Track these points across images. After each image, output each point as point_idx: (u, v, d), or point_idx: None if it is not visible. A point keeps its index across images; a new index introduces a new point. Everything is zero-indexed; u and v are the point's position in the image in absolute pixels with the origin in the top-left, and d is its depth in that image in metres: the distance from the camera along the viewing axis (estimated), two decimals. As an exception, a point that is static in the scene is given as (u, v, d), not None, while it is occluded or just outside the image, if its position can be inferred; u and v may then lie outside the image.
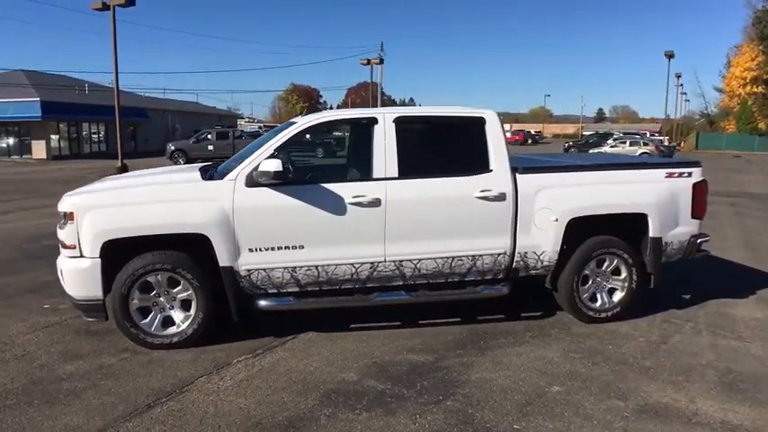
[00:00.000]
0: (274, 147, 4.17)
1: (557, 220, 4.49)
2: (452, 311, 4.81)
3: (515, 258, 4.53)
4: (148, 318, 4.07)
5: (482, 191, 4.34)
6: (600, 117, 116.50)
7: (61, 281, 4.08)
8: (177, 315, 4.12)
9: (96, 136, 38.51)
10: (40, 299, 5.18)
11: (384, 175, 4.25)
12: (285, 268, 4.16)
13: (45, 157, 32.46)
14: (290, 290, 4.27)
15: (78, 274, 3.95)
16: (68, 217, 3.94)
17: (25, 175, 21.52)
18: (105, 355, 3.97)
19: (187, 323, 4.09)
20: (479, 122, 4.52)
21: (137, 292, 4.00)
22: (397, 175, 4.27)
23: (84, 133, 37.44)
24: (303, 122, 4.34)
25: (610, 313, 4.76)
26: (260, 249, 4.10)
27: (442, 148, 4.71)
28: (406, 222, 4.29)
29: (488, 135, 4.49)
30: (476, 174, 4.40)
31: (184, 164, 26.06)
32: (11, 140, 33.66)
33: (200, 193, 4.07)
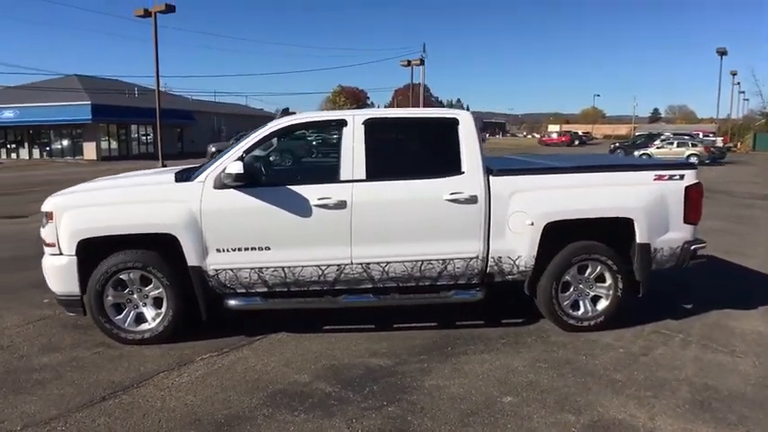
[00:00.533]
0: (243, 149, 4.27)
1: (532, 224, 4.37)
2: (431, 315, 4.78)
3: (489, 263, 4.45)
4: (122, 314, 4.26)
5: (452, 193, 4.29)
6: (655, 117, 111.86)
7: (45, 277, 4.34)
8: (149, 312, 4.30)
9: (145, 138, 40.40)
10: (42, 294, 5.50)
11: (351, 177, 4.28)
12: (252, 269, 4.26)
13: (95, 158, 34.32)
14: (258, 290, 4.36)
15: (57, 270, 4.20)
16: (49, 216, 4.20)
17: (72, 175, 22.85)
18: (81, 348, 4.19)
19: (158, 320, 4.26)
20: (452, 124, 4.46)
21: (111, 289, 4.20)
22: (364, 177, 4.29)
23: (132, 135, 39.36)
24: (272, 125, 4.42)
25: (593, 322, 4.59)
26: (227, 250, 4.22)
27: (413, 150, 4.69)
28: (372, 225, 4.29)
29: (461, 136, 4.43)
30: (447, 176, 4.34)
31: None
32: (65, 142, 35.84)
33: (170, 194, 4.23)
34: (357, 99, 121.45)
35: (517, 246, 4.41)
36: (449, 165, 4.39)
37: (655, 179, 4.55)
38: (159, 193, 4.28)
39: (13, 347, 4.21)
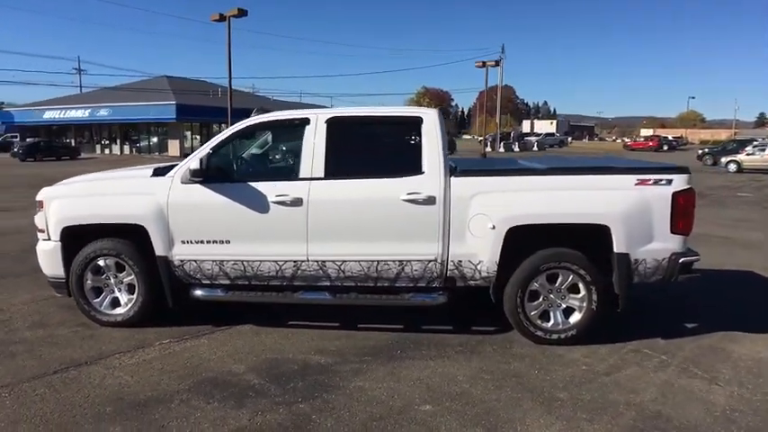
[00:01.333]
0: (210, 147, 4.49)
1: (494, 228, 4.21)
2: (400, 317, 4.72)
3: (449, 267, 4.33)
4: (100, 297, 4.66)
5: (409, 193, 4.23)
6: (761, 121, 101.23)
7: (39, 260, 4.83)
8: (123, 297, 4.64)
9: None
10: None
11: (310, 176, 4.36)
12: (214, 261, 4.47)
13: (179, 154, 37.03)
14: (221, 282, 4.57)
15: (46, 254, 4.66)
16: (40, 205, 4.67)
17: None
18: (64, 327, 4.62)
19: (130, 305, 4.59)
20: (416, 123, 4.40)
21: (90, 274, 4.59)
22: (322, 176, 4.35)
23: (214, 133, 42.19)
24: (238, 124, 4.61)
25: (563, 335, 4.32)
26: (191, 242, 4.46)
27: (375, 148, 4.66)
28: (328, 223, 4.33)
29: (424, 136, 4.36)
30: (405, 175, 4.29)
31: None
32: (152, 139, 39.04)
33: (142, 188, 4.54)
34: (441, 100, 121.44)
35: (478, 250, 4.26)
36: (409, 164, 4.33)
37: (637, 183, 4.20)
38: (133, 187, 4.61)
39: (8, 321, 4.72)
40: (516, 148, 44.95)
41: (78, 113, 38.09)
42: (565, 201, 4.22)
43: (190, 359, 3.98)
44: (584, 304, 4.28)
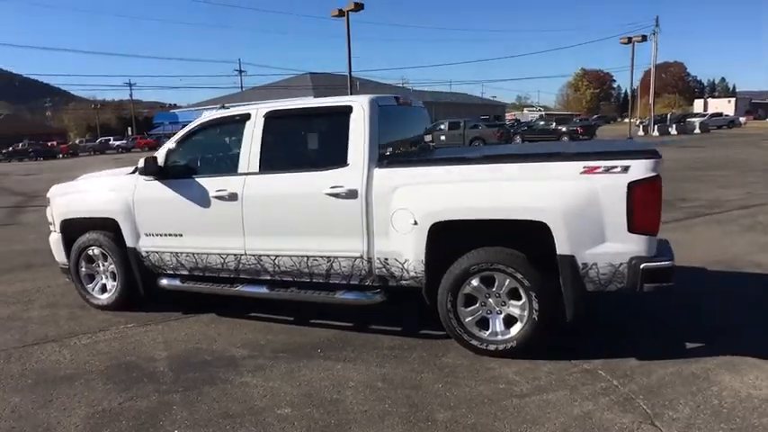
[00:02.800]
0: (166, 147, 4.84)
1: (416, 224, 3.88)
2: (360, 315, 4.61)
3: (375, 265, 4.10)
4: (92, 283, 5.32)
5: (332, 187, 4.08)
6: None
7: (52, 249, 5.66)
8: (109, 284, 5.24)
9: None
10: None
11: (246, 170, 4.45)
12: (171, 253, 4.81)
13: (314, 149, 39.91)
14: (181, 272, 4.91)
15: (54, 244, 5.45)
16: (48, 201, 5.49)
17: None
18: (66, 308, 5.34)
19: (113, 291, 5.18)
20: (345, 112, 4.22)
21: (83, 262, 5.27)
22: (257, 170, 4.42)
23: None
24: (191, 124, 4.87)
25: (502, 346, 3.82)
26: (152, 235, 4.85)
27: (306, 141, 4.56)
28: (260, 217, 4.39)
29: (351, 126, 4.16)
30: (331, 168, 4.15)
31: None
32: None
33: (116, 184, 5.04)
34: (601, 82, 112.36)
35: (403, 248, 3.96)
36: (335, 156, 4.16)
37: (584, 172, 3.53)
38: (110, 184, 5.15)
39: (30, 301, 5.62)
40: (674, 131, 39.69)
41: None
42: (495, 193, 3.72)
43: (129, 343, 4.37)
44: (525, 313, 3.74)
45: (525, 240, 3.72)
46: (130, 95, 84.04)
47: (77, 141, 60.66)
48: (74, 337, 4.57)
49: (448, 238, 3.85)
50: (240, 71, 68.19)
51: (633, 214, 3.41)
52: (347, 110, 4.20)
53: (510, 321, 3.84)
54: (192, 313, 5.00)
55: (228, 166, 4.59)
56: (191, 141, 4.84)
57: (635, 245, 3.45)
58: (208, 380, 3.67)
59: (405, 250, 3.96)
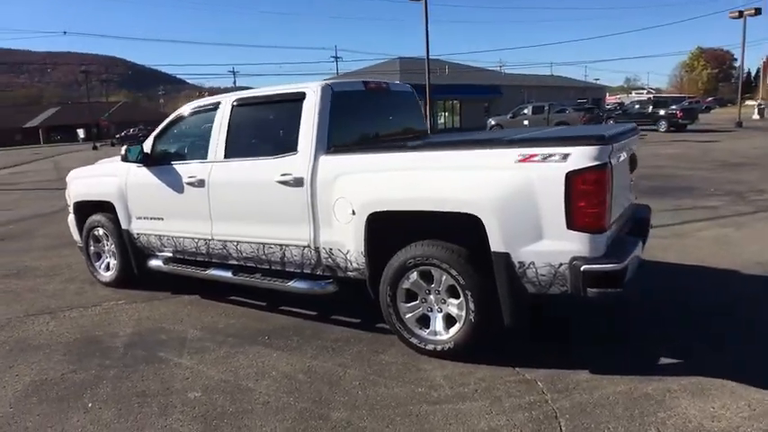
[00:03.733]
0: (153, 135, 5.08)
1: (354, 214, 3.75)
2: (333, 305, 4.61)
3: (322, 254, 4.03)
4: (99, 261, 5.77)
5: (282, 174, 4.06)
6: None
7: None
8: (112, 262, 5.65)
9: (449, 113, 44.71)
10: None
11: (213, 158, 4.56)
12: (155, 236, 5.07)
13: (400, 133, 40.11)
14: (166, 254, 5.17)
15: (70, 224, 5.97)
16: (66, 185, 6.02)
17: None
18: (78, 283, 5.81)
19: (114, 269, 5.59)
20: (299, 99, 4.15)
21: (92, 241, 5.73)
22: (222, 158, 4.51)
23: (437, 110, 44.07)
24: (175, 113, 5.07)
25: (440, 347, 3.60)
26: (141, 218, 5.14)
27: (265, 128, 4.52)
28: (223, 204, 4.47)
29: (303, 113, 4.09)
30: (283, 156, 4.12)
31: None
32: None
33: (114, 170, 5.37)
34: (720, 61, 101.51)
35: (345, 238, 3.85)
36: (288, 144, 4.12)
37: (520, 160, 3.20)
38: (110, 170, 5.50)
39: (54, 276, 6.18)
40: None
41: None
42: (427, 184, 3.49)
43: (107, 319, 4.69)
44: (463, 313, 3.50)
45: (463, 235, 3.46)
46: (234, 83, 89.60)
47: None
48: (69, 310, 5.00)
49: (387, 230, 3.69)
50: (336, 57, 69.87)
51: (572, 209, 3.04)
52: (301, 96, 4.14)
53: (451, 321, 3.62)
54: (180, 294, 5.25)
55: (201, 153, 4.72)
56: (172, 129, 5.04)
57: (576, 244, 3.07)
58: (149, 359, 3.86)
59: (346, 241, 3.86)
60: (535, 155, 3.13)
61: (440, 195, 3.44)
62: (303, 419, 3.00)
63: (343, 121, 4.20)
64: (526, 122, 28.23)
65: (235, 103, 4.53)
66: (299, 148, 4.04)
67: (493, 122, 31.25)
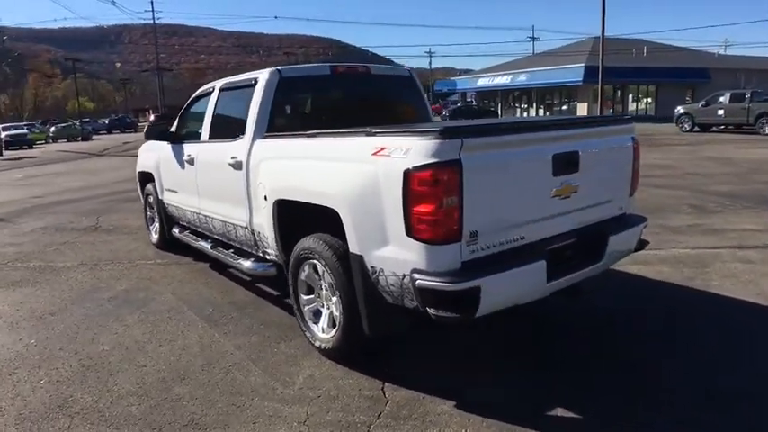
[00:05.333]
0: (179, 114, 5.76)
1: (266, 199, 3.86)
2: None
3: (255, 236, 4.21)
4: (152, 225, 6.76)
5: (231, 157, 4.32)
6: None
7: None
8: (157, 227, 6.58)
9: (644, 99, 39.84)
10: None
11: (202, 138, 5.02)
12: (174, 206, 5.80)
13: (585, 119, 37.16)
14: (182, 223, 5.87)
15: (139, 192, 7.14)
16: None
17: None
18: (137, 242, 6.97)
19: (156, 234, 6.54)
20: (253, 84, 4.32)
21: (147, 208, 6.76)
22: (207, 139, 4.94)
23: (629, 96, 39.60)
24: (193, 95, 5.64)
25: (322, 345, 3.55)
26: (167, 189, 5.92)
27: (232, 112, 4.70)
28: (203, 182, 4.93)
29: (252, 97, 4.27)
30: (234, 139, 4.36)
31: (689, 130, 24.16)
32: (563, 103, 40.28)
33: (158, 146, 6.23)
34: None
35: (264, 223, 3.98)
36: (241, 128, 4.36)
37: (372, 153, 2.94)
38: (156, 145, 6.35)
39: (134, 234, 7.48)
40: None
41: (503, 80, 43.02)
42: (303, 173, 3.47)
43: (122, 274, 5.56)
44: (338, 313, 3.40)
45: (336, 231, 3.32)
46: (429, 64, 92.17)
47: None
48: (110, 264, 6.05)
49: (292, 218, 3.73)
50: (533, 38, 67.20)
51: (409, 213, 2.73)
52: (254, 82, 4.34)
53: (334, 320, 3.53)
54: (199, 262, 5.93)
55: (198, 134, 5.25)
56: (189, 110, 5.66)
57: (414, 254, 2.76)
58: (108, 312, 4.53)
59: (265, 225, 3.99)
60: (384, 148, 2.87)
61: (310, 187, 3.40)
62: (146, 383, 3.29)
63: (293, 107, 4.28)
64: (721, 112, 23.76)
65: (220, 88, 4.92)
66: (245, 132, 4.25)
67: (681, 111, 26.74)
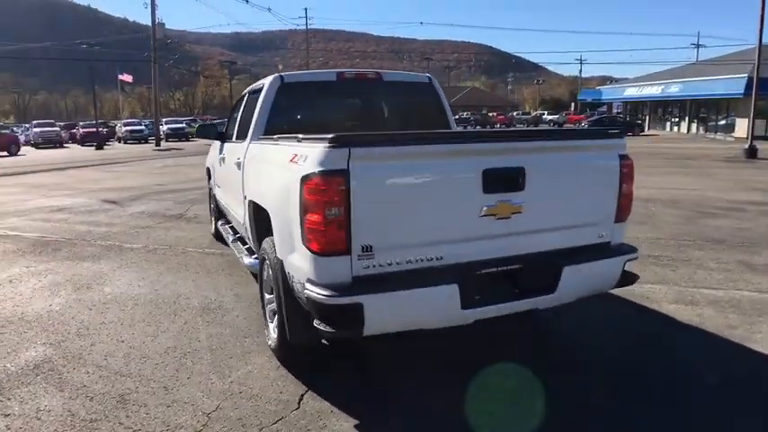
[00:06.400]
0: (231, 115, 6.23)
1: (245, 198, 4.07)
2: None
3: (247, 232, 4.44)
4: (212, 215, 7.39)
5: (237, 158, 4.62)
6: None
7: None
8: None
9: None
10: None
11: (231, 139, 5.42)
12: (218, 200, 6.30)
13: (745, 136, 32.63)
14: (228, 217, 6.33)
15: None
16: (211, 152, 7.80)
17: (691, 150, 24.03)
18: (204, 233, 7.65)
19: (213, 225, 7.13)
20: (259, 91, 4.57)
21: (210, 200, 7.41)
22: (234, 139, 5.29)
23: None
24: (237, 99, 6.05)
25: (272, 344, 3.68)
26: (215, 185, 6.46)
27: (248, 115, 4.91)
28: (226, 179, 5.35)
29: (258, 101, 4.51)
30: (243, 140, 4.64)
31: None
32: (719, 117, 35.78)
33: (217, 144, 6.77)
34: None
35: (247, 222, 4.21)
36: (249, 129, 4.62)
37: (290, 160, 2.99)
38: (216, 144, 6.92)
39: (199, 223, 8.22)
40: None
41: (653, 90, 39.39)
42: (261, 176, 3.62)
43: (166, 260, 6.17)
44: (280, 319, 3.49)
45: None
46: (579, 71, 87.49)
47: (514, 114, 68.21)
48: (167, 249, 6.73)
49: (262, 219, 3.89)
50: (698, 45, 60.69)
51: (303, 221, 2.75)
52: (263, 87, 4.60)
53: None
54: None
55: (231, 134, 5.65)
56: (232, 111, 6.11)
57: (308, 263, 2.77)
58: (112, 298, 5.10)
59: (248, 225, 4.22)
60: (296, 155, 2.92)
61: (260, 190, 3.55)
62: (108, 358, 3.67)
63: (294, 112, 4.46)
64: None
65: (248, 92, 5.27)
66: (248, 134, 4.53)
67: None
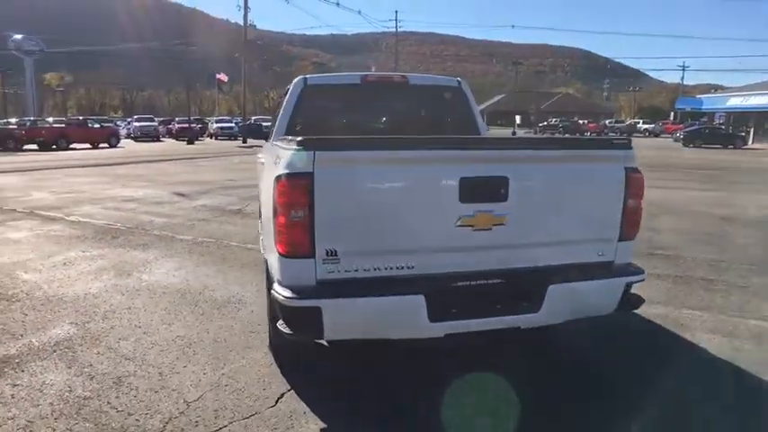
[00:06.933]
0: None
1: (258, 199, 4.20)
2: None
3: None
4: (260, 213, 7.67)
5: (259, 156, 4.79)
6: None
7: None
8: (261, 215, 7.45)
9: None
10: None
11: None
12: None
13: None
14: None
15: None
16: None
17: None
18: (233, 215, 7.95)
19: (259, 221, 7.39)
20: (285, 94, 4.70)
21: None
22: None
23: None
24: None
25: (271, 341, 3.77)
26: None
27: (279, 115, 5.04)
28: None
29: (283, 103, 4.63)
30: (268, 141, 4.80)
31: None
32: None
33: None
34: None
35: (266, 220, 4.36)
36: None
37: (274, 162, 3.06)
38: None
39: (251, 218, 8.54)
40: None
41: (760, 100, 36.05)
42: (261, 174, 3.70)
43: (208, 253, 6.49)
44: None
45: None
46: (681, 78, 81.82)
47: (606, 122, 64.90)
48: (212, 242, 7.08)
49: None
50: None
51: (275, 221, 2.83)
52: (290, 88, 4.73)
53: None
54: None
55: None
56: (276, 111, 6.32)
57: (277, 263, 2.85)
58: (141, 287, 5.42)
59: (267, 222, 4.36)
60: (278, 156, 2.98)
61: (260, 188, 3.64)
62: (118, 332, 3.94)
63: (314, 114, 4.56)
64: None
65: (283, 93, 5.43)
66: (271, 135, 4.69)
67: None
